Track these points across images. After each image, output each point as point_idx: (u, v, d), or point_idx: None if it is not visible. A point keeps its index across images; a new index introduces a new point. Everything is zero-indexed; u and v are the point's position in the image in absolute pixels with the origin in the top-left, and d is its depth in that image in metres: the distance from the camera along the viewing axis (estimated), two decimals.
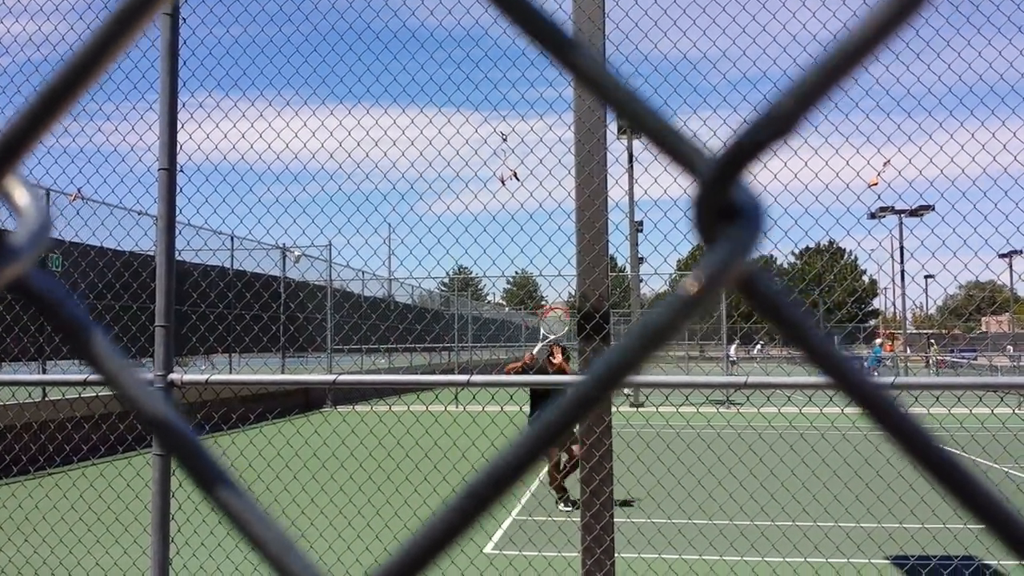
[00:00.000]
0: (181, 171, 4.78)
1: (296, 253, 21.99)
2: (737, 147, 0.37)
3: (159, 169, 4.66)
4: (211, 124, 5.45)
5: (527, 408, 9.34)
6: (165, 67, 4.65)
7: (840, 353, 0.38)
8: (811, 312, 0.40)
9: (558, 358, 9.16)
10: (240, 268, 20.15)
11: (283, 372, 21.51)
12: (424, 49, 5.60)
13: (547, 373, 8.98)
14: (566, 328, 8.73)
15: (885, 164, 5.69)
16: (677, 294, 0.38)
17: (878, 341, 35.97)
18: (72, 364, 12.24)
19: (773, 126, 0.37)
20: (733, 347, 46.01)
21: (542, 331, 8.56)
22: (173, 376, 4.45)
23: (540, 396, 9.31)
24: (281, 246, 21.47)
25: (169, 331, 4.47)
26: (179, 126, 4.72)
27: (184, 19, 4.85)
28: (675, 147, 0.40)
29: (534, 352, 9.06)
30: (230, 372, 20.25)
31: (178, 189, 4.70)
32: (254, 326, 19.78)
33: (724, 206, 0.38)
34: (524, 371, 9.05)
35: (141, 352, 15.08)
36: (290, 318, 22.01)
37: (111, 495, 6.83)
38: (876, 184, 6.45)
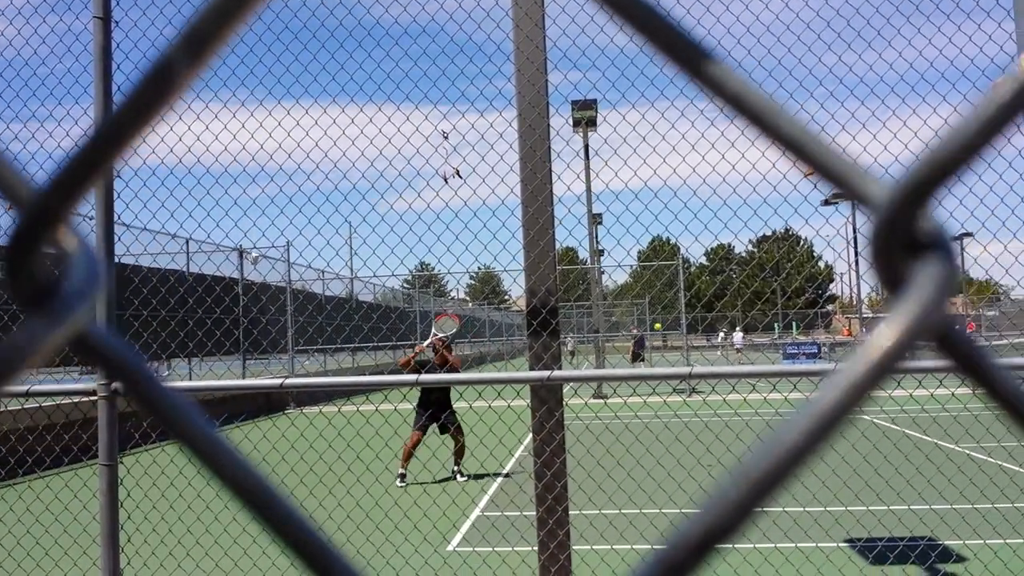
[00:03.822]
0: (118, 176, 4.68)
1: (253, 255, 21.70)
2: (923, 174, 0.33)
3: None
4: (163, 127, 5.33)
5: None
6: (98, 71, 4.53)
7: None
8: (1010, 371, 0.35)
9: (448, 356, 10.93)
10: (199, 272, 19.87)
11: (244, 375, 21.26)
12: (385, 45, 5.53)
13: (433, 366, 10.76)
14: (455, 329, 11.16)
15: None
16: (870, 349, 0.33)
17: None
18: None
19: (958, 154, 0.33)
20: (739, 335, 45.78)
21: (433, 330, 11.00)
22: (117, 385, 4.35)
23: (428, 390, 10.85)
24: (239, 248, 21.19)
25: None
26: None
27: (116, 22, 4.73)
28: (843, 175, 0.35)
29: (423, 345, 10.94)
30: (190, 377, 19.97)
31: (116, 194, 4.60)
32: (215, 330, 19.49)
33: (908, 241, 0.33)
34: (415, 364, 10.73)
35: (85, 361, 14.77)
36: (251, 321, 21.74)
37: (58, 507, 6.68)
38: (812, 173, 6.50)
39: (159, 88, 0.38)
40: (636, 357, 27.68)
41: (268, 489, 0.40)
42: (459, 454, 10.96)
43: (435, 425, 10.84)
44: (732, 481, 0.33)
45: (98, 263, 0.39)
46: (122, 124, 0.38)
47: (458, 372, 11.36)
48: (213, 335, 19.23)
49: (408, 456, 10.78)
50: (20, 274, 0.36)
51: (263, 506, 0.40)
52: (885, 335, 0.32)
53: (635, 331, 32.24)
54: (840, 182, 0.36)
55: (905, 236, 0.33)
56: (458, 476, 10.94)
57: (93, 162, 0.38)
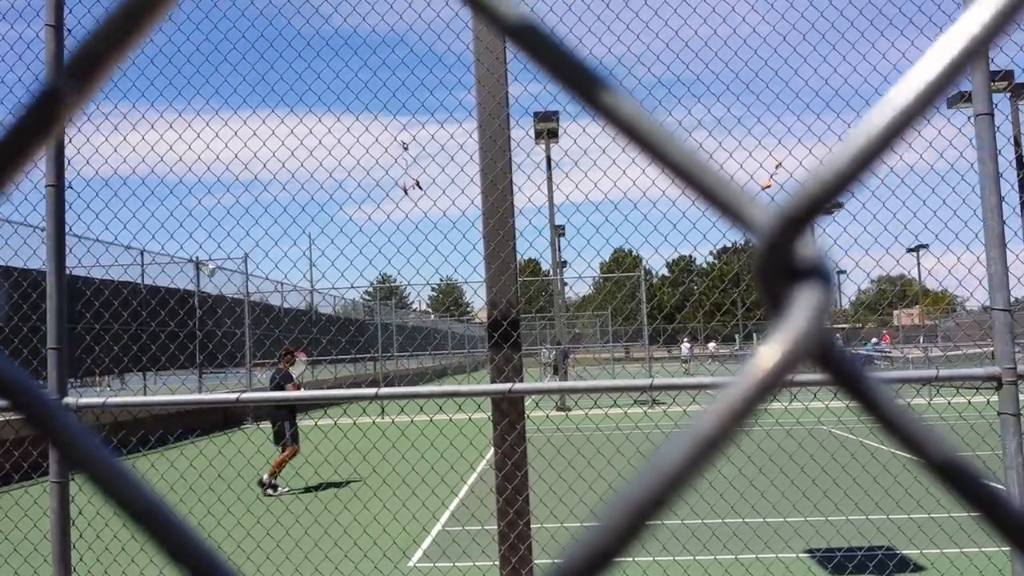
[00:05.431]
0: (70, 187, 4.57)
1: (210, 267, 21.40)
2: (802, 202, 0.34)
3: (46, 186, 4.44)
4: (117, 137, 5.21)
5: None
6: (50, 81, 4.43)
7: (920, 425, 0.36)
8: (887, 386, 0.36)
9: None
10: (153, 284, 19.53)
11: (200, 389, 20.91)
12: (344, 56, 5.47)
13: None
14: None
15: (777, 166, 5.79)
16: (751, 371, 0.34)
17: (873, 340, 37.38)
18: None
19: (834, 183, 0.34)
20: (686, 345, 46.45)
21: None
22: (68, 400, 4.29)
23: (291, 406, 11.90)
24: (195, 259, 20.88)
25: (62, 353, 4.30)
26: (67, 141, 4.50)
27: (69, 30, 4.63)
28: (729, 202, 0.37)
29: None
30: (144, 391, 19.60)
31: (67, 205, 4.50)
32: (169, 343, 19.15)
33: (789, 267, 0.34)
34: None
35: (34, 376, 14.46)
36: (207, 334, 21.40)
37: (8, 525, 6.49)
38: (769, 187, 6.54)
39: (44, 118, 0.36)
40: (557, 370, 27.63)
41: (164, 510, 0.39)
42: (282, 466, 11.52)
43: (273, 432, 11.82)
44: (614, 505, 0.34)
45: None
46: (4, 156, 0.36)
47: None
48: (168, 349, 18.89)
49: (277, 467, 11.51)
50: None
51: (157, 528, 0.39)
52: (764, 357, 0.34)
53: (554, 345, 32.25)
54: (726, 208, 0.37)
55: (786, 262, 0.35)
56: (270, 489, 11.31)
57: None
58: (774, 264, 0.34)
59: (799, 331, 0.33)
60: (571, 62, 0.36)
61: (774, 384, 0.33)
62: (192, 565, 0.37)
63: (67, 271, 4.52)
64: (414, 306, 66.27)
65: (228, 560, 0.38)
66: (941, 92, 0.33)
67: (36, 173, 5.08)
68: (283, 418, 11.87)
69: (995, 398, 4.05)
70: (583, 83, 0.36)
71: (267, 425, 12.78)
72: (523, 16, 0.35)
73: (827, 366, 0.35)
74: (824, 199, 0.34)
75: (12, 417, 12.31)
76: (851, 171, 0.33)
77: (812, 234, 0.34)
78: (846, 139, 0.34)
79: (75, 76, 0.35)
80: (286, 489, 11.56)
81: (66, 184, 4.55)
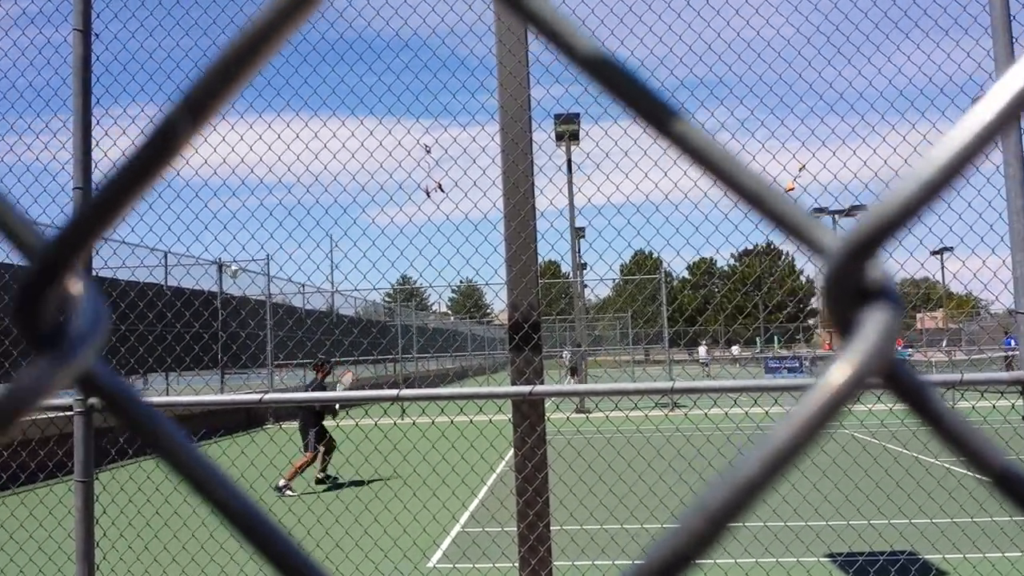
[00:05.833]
0: (96, 189, 4.64)
1: (233, 268, 21.55)
2: (870, 228, 0.36)
3: (74, 188, 4.51)
4: (143, 140, 5.27)
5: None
6: (78, 85, 4.49)
7: (984, 441, 0.38)
8: (953, 409, 0.38)
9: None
10: (177, 285, 19.71)
11: (222, 390, 21.07)
12: (383, 58, 5.52)
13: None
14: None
15: (800, 169, 5.76)
16: (823, 387, 0.35)
17: (909, 349, 37.18)
18: None
19: (903, 211, 0.36)
20: (703, 348, 46.41)
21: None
22: (93, 400, 4.32)
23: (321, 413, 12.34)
24: (218, 261, 21.05)
25: None
26: (94, 144, 4.57)
27: (96, 35, 4.69)
28: (799, 226, 0.38)
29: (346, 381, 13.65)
30: (167, 392, 19.77)
31: None
32: (193, 344, 19.30)
33: (858, 289, 0.36)
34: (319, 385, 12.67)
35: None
36: (230, 335, 21.55)
37: (33, 524, 6.58)
38: (792, 190, 6.48)
39: (161, 149, 0.40)
40: (574, 372, 27.80)
41: (257, 513, 0.44)
42: (300, 470, 11.87)
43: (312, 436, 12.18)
44: (691, 512, 0.36)
45: (102, 308, 0.41)
46: (126, 182, 0.40)
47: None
48: (191, 349, 19.05)
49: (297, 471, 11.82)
50: (30, 317, 0.39)
51: (248, 527, 0.44)
52: (836, 375, 0.35)
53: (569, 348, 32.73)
54: (796, 233, 0.39)
55: (855, 284, 0.36)
56: (288, 490, 11.66)
57: (98, 217, 0.41)
58: (844, 287, 0.36)
59: (869, 350, 0.35)
60: (644, 93, 0.38)
61: (845, 400, 0.35)
62: (285, 566, 0.40)
63: (94, 273, 4.58)
64: (434, 308, 66.41)
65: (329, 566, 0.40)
66: (1012, 119, 0.35)
67: (64, 176, 5.16)
68: (307, 422, 12.04)
69: (1020, 402, 4.03)
70: (655, 113, 0.38)
71: (289, 425, 12.95)
72: (598, 49, 0.37)
73: (894, 384, 0.37)
74: (893, 225, 0.35)
75: (38, 416, 12.46)
76: (920, 197, 0.35)
77: (880, 258, 0.36)
78: (916, 166, 0.36)
79: (190, 111, 0.38)
80: (298, 493, 11.65)
81: (93, 187, 4.61)
